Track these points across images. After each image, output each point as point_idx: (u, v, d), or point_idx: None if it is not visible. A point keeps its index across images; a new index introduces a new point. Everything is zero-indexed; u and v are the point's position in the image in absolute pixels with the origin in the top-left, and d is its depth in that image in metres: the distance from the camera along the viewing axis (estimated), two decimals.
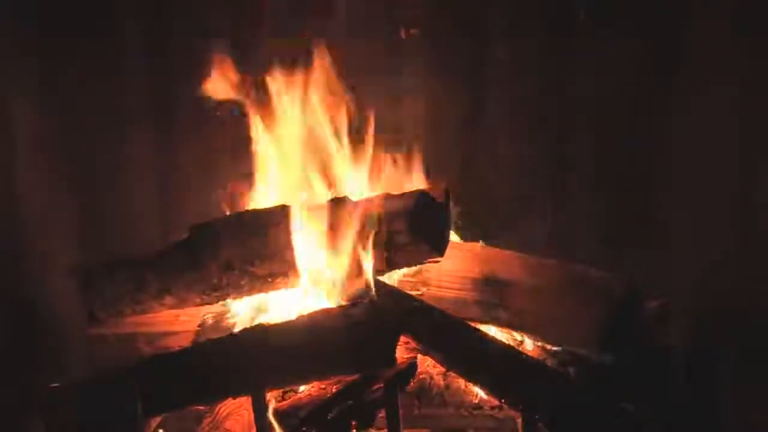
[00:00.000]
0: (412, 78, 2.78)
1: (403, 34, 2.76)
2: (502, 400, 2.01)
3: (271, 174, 2.43)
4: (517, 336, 2.22)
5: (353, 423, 1.89)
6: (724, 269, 2.51)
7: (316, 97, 2.44)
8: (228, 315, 2.25)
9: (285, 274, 2.07)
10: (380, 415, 1.92)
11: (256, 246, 2.05)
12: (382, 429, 1.91)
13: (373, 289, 1.99)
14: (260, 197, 2.43)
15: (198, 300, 2.11)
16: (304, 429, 1.82)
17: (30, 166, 2.52)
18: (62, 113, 2.60)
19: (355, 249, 2.02)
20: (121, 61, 2.69)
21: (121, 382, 1.75)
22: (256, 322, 2.00)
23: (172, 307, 2.12)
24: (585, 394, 1.96)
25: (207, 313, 2.24)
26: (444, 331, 2.03)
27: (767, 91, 2.50)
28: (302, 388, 1.95)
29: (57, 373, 2.11)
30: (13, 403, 2.24)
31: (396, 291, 2.11)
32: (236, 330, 2.11)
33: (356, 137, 2.48)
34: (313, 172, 2.41)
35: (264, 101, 2.44)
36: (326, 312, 1.90)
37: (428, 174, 2.50)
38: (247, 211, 2.16)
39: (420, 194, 2.13)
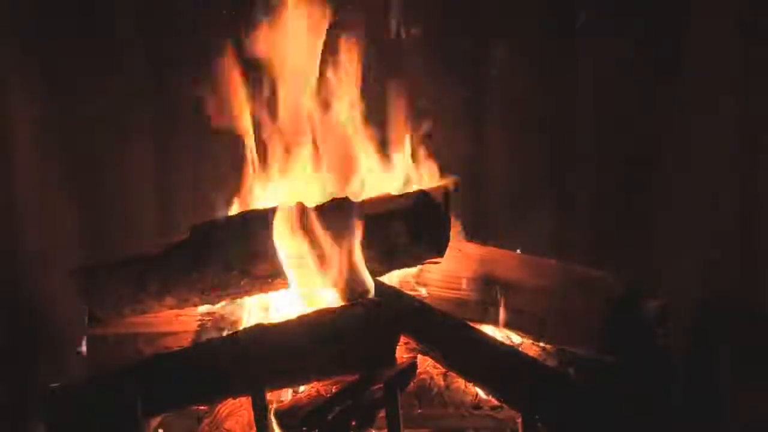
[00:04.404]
0: (411, 78, 2.77)
1: (403, 34, 2.76)
2: (502, 400, 2.01)
3: (272, 174, 2.43)
4: (517, 336, 2.22)
5: (353, 423, 1.89)
6: (724, 269, 2.52)
7: (319, 95, 2.44)
8: (228, 315, 2.24)
9: (285, 275, 2.07)
10: (380, 415, 1.91)
11: (256, 246, 2.05)
12: (382, 429, 1.91)
13: (373, 289, 1.99)
14: (261, 197, 2.43)
15: (198, 300, 2.11)
16: (304, 429, 1.82)
17: (30, 166, 2.52)
18: (62, 113, 2.60)
19: (355, 249, 2.02)
20: (122, 61, 2.69)
21: (121, 382, 1.75)
22: (256, 322, 2.00)
23: (172, 307, 2.12)
24: (585, 394, 1.96)
25: (207, 313, 2.24)
26: (444, 331, 2.03)
27: (766, 91, 2.50)
28: (302, 388, 1.95)
29: (57, 373, 2.11)
30: (13, 403, 2.24)
31: (396, 291, 2.11)
32: (236, 330, 2.11)
33: (357, 137, 2.48)
34: (314, 172, 2.41)
35: (266, 99, 2.45)
36: (326, 312, 1.90)
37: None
38: (248, 211, 2.16)
39: (420, 194, 2.13)
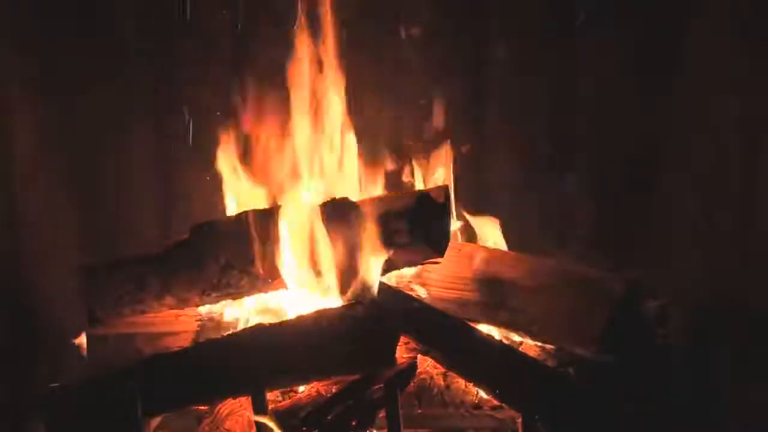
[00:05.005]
0: (411, 78, 2.78)
1: (403, 34, 2.76)
2: (502, 400, 2.01)
3: (272, 175, 2.43)
4: (517, 336, 2.22)
5: (353, 423, 1.89)
6: (724, 269, 2.51)
7: (317, 95, 2.44)
8: (228, 315, 2.25)
9: (285, 275, 2.07)
10: (380, 415, 1.92)
11: (257, 246, 2.05)
12: (382, 429, 1.91)
13: (374, 289, 1.99)
14: (261, 198, 2.43)
15: (198, 300, 2.11)
16: (304, 429, 1.82)
17: (30, 166, 2.51)
18: (62, 113, 2.60)
19: (355, 249, 2.02)
20: (122, 61, 2.69)
21: (121, 382, 1.75)
22: (256, 322, 2.00)
23: (172, 307, 2.12)
24: (585, 394, 1.97)
25: (207, 313, 2.24)
26: (444, 331, 2.03)
27: (766, 91, 2.50)
28: (302, 388, 1.95)
29: (57, 373, 2.11)
30: (13, 403, 2.24)
31: (396, 291, 2.11)
32: (236, 330, 2.11)
33: (357, 137, 2.48)
34: (314, 173, 2.41)
35: (264, 100, 2.45)
36: (326, 312, 1.90)
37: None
38: (248, 211, 2.16)
39: (420, 194, 2.13)
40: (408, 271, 2.27)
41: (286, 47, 2.46)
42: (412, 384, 2.01)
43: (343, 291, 2.01)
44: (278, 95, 2.45)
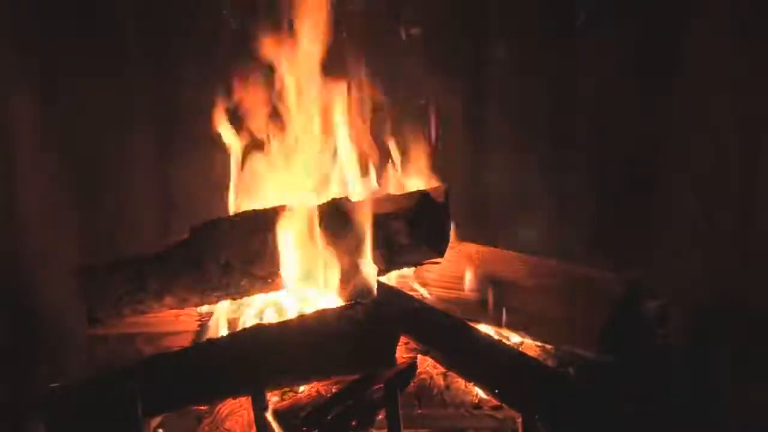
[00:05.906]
0: (411, 78, 2.77)
1: (403, 34, 2.76)
2: (502, 400, 2.01)
3: (272, 175, 2.43)
4: (517, 336, 2.22)
5: (353, 423, 1.89)
6: (724, 269, 2.52)
7: (318, 95, 2.44)
8: (228, 315, 2.24)
9: (285, 275, 2.07)
10: (380, 415, 1.92)
11: (256, 246, 2.05)
12: (382, 429, 1.91)
13: (374, 290, 1.99)
14: (261, 198, 2.43)
15: (198, 300, 2.11)
16: (304, 429, 1.82)
17: (30, 166, 2.52)
18: (63, 113, 2.60)
19: (355, 249, 2.02)
20: (123, 61, 2.69)
21: (121, 382, 1.75)
22: (255, 322, 2.00)
23: (172, 307, 2.12)
24: (585, 394, 1.97)
25: (207, 312, 2.24)
26: (444, 331, 2.03)
27: (766, 91, 2.50)
28: (302, 388, 1.95)
29: (57, 373, 2.11)
30: (13, 403, 2.25)
31: (396, 291, 2.11)
32: (236, 330, 2.11)
33: (358, 137, 2.48)
34: (314, 173, 2.41)
35: (266, 99, 2.45)
36: (326, 312, 1.90)
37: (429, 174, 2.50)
38: (248, 211, 2.16)
39: (420, 195, 2.13)
40: (408, 271, 2.27)
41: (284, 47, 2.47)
42: (412, 384, 2.01)
43: (342, 291, 2.01)
44: (277, 95, 2.45)
